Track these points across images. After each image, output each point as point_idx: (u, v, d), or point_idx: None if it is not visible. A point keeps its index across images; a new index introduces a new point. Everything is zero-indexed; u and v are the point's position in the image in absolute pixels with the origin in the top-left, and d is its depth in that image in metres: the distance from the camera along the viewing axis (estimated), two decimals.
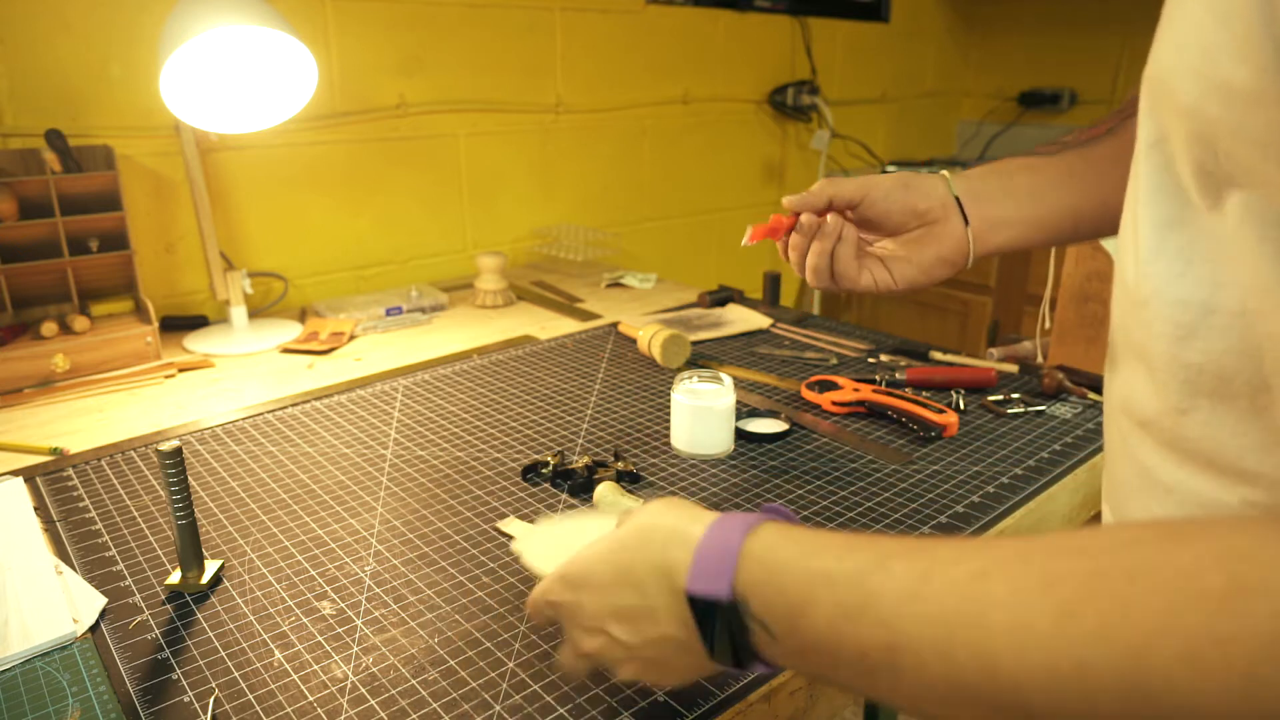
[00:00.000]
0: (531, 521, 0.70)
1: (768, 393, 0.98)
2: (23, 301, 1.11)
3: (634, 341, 1.15)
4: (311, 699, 0.51)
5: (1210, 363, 0.37)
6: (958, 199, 0.65)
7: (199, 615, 0.59)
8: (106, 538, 0.69)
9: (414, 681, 0.52)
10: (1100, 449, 0.81)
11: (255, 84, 1.13)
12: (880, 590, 0.33)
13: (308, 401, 0.97)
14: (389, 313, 1.30)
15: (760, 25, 2.03)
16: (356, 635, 0.57)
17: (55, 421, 0.93)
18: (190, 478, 0.77)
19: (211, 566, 0.64)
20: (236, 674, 0.53)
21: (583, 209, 1.80)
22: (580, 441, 0.86)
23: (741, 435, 0.85)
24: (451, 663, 0.54)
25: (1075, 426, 0.88)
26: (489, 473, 0.80)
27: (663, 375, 1.04)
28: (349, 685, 0.52)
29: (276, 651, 0.55)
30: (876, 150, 2.40)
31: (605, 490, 0.71)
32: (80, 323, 1.09)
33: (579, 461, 0.78)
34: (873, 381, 0.97)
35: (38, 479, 0.79)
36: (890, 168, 2.38)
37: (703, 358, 1.10)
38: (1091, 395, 0.95)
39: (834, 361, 1.07)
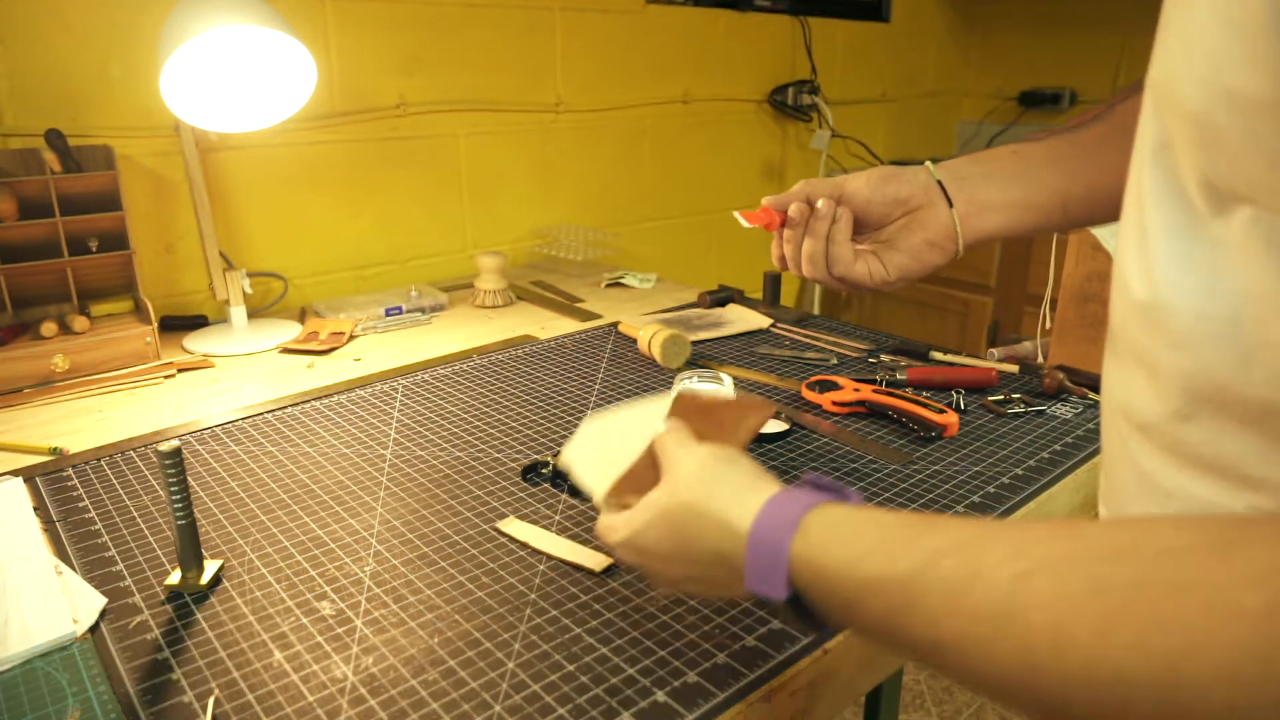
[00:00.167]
0: (530, 520, 0.70)
1: (768, 393, 0.98)
2: (22, 301, 1.11)
3: (634, 341, 1.15)
4: (311, 699, 0.51)
5: (1204, 370, 0.37)
6: (940, 184, 0.64)
7: (199, 615, 0.59)
8: (106, 538, 0.69)
9: (414, 681, 0.52)
10: (1100, 450, 0.81)
11: (255, 84, 1.13)
12: (928, 591, 0.33)
13: (307, 401, 0.97)
14: (389, 313, 1.30)
15: (760, 25, 2.03)
16: (356, 635, 0.57)
17: (55, 421, 0.93)
18: (190, 478, 0.77)
19: (211, 566, 0.64)
20: (236, 674, 0.53)
21: (583, 209, 1.80)
22: None
23: None
24: (451, 663, 0.54)
25: (1076, 426, 0.88)
26: (489, 473, 0.80)
27: (663, 375, 1.04)
28: (349, 685, 0.52)
29: (276, 651, 0.55)
30: (876, 150, 2.40)
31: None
32: (80, 323, 1.09)
33: None
34: (873, 381, 0.97)
35: (37, 479, 0.79)
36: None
37: (703, 358, 1.10)
38: (1092, 395, 0.95)
39: (834, 361, 1.07)
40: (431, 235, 1.58)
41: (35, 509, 0.73)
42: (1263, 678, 0.24)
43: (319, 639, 0.56)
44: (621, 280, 1.51)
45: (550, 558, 0.66)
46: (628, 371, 1.06)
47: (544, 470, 0.78)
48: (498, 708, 0.50)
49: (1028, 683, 0.30)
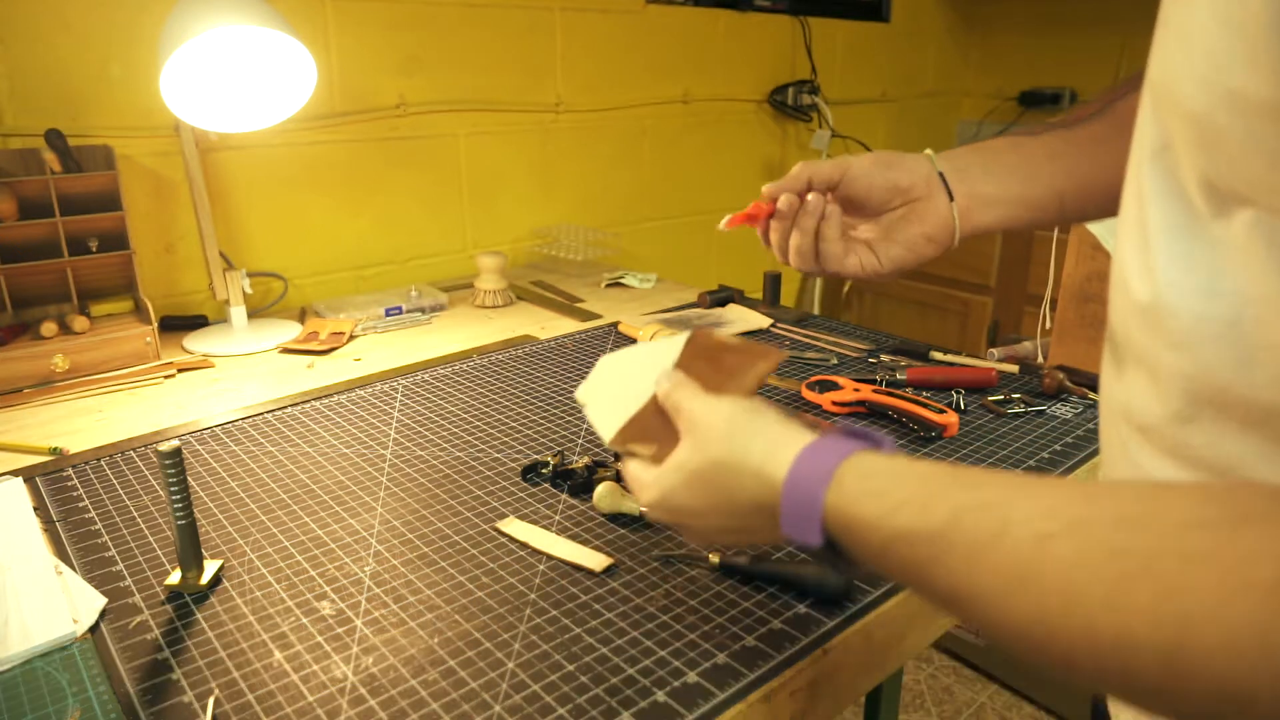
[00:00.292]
0: (530, 519, 0.70)
1: (768, 393, 0.98)
2: (22, 301, 1.11)
3: (634, 341, 1.15)
4: (311, 699, 0.51)
5: (1205, 372, 0.37)
6: (942, 175, 0.64)
7: (199, 615, 0.59)
8: (106, 538, 0.69)
9: (414, 681, 0.52)
10: (1099, 451, 0.81)
11: (255, 84, 1.13)
12: (953, 546, 0.35)
13: (307, 401, 0.97)
14: (389, 313, 1.30)
15: (760, 25, 2.03)
16: (356, 635, 0.57)
17: (55, 421, 0.93)
18: (190, 478, 0.77)
19: (211, 567, 0.64)
20: (236, 674, 0.53)
21: (583, 209, 1.80)
22: (580, 441, 0.86)
23: None
24: (451, 663, 0.54)
25: (1076, 426, 0.88)
26: (489, 473, 0.80)
27: None
28: (349, 685, 0.52)
29: (276, 651, 0.55)
30: (877, 150, 2.40)
31: (605, 490, 0.71)
32: (80, 323, 1.09)
33: (579, 461, 0.78)
34: (873, 381, 0.97)
35: (37, 479, 0.79)
36: None
37: None
38: (1092, 395, 0.95)
39: (834, 361, 1.07)
40: (431, 235, 1.58)
41: (35, 509, 0.73)
42: (1261, 652, 0.25)
43: (319, 639, 0.56)
44: (621, 280, 1.51)
45: (550, 558, 0.66)
46: None
47: (544, 470, 0.78)
48: (498, 708, 0.50)
49: (1038, 638, 0.31)
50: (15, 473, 0.80)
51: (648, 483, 0.51)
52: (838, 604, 0.60)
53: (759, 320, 1.23)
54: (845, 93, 2.30)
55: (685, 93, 1.92)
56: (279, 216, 1.39)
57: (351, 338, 1.22)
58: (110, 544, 0.68)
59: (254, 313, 1.30)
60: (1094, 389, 0.95)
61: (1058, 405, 0.93)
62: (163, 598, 0.61)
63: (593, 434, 0.87)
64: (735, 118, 2.06)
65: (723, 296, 1.35)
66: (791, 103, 2.11)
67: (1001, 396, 0.94)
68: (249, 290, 1.24)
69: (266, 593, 0.62)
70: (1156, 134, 0.40)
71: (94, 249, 1.10)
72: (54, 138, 1.08)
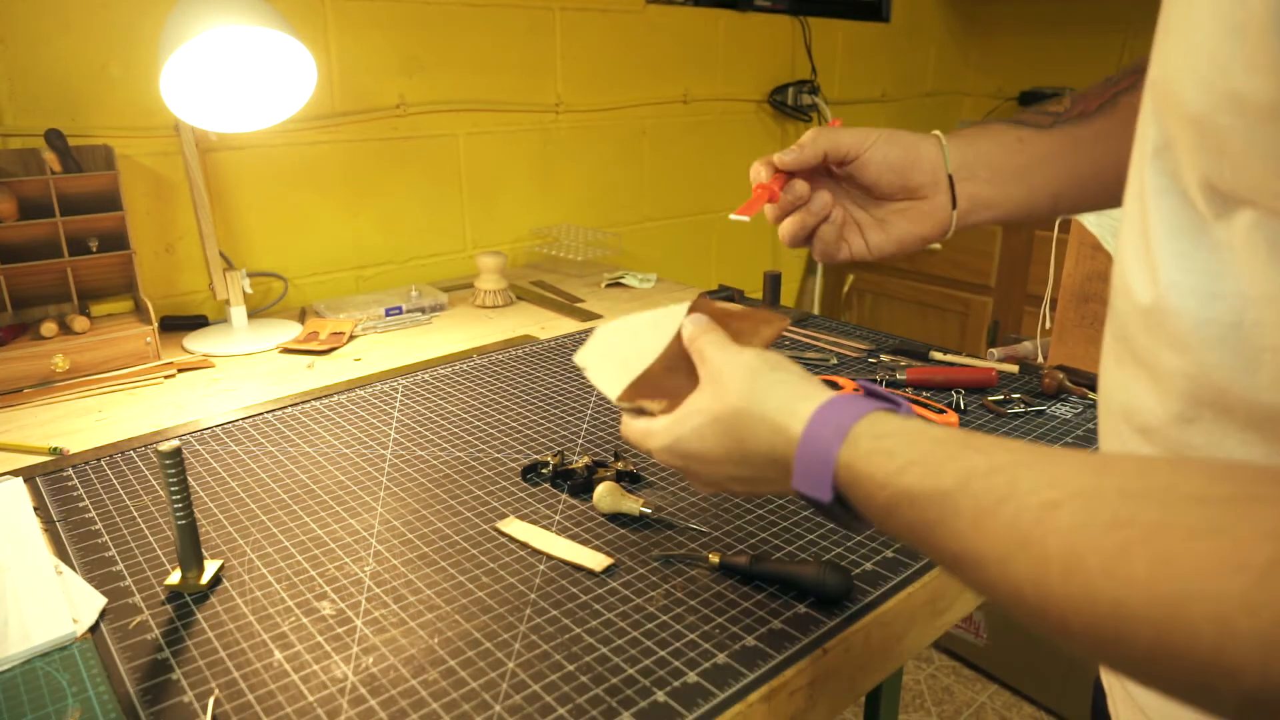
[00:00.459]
0: (530, 518, 0.70)
1: None
2: (23, 301, 1.11)
3: None
4: (311, 699, 0.51)
5: (1206, 373, 0.37)
6: (950, 180, 0.63)
7: (199, 615, 0.59)
8: (106, 538, 0.69)
9: (414, 681, 0.52)
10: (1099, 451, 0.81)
11: (255, 84, 1.13)
12: (958, 510, 0.35)
13: (307, 401, 0.97)
14: (389, 313, 1.30)
15: (760, 25, 2.03)
16: (356, 635, 0.57)
17: (55, 421, 0.93)
18: (190, 478, 0.77)
19: (211, 566, 0.64)
20: (236, 674, 0.53)
21: (583, 209, 1.80)
22: (580, 441, 0.86)
23: None
24: (451, 663, 0.54)
25: (1076, 426, 0.88)
26: (489, 473, 0.80)
27: None
28: (349, 685, 0.52)
29: (276, 651, 0.55)
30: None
31: (605, 490, 0.71)
32: (80, 323, 1.09)
33: (579, 461, 0.78)
34: (873, 382, 0.97)
35: (38, 479, 0.79)
36: None
37: None
38: (1091, 395, 0.95)
39: (834, 361, 1.07)
40: (431, 235, 1.58)
41: (35, 509, 0.73)
42: (1250, 629, 0.25)
43: (319, 639, 0.56)
44: (621, 280, 1.52)
45: (550, 558, 0.66)
46: None
47: (544, 470, 0.78)
48: (498, 708, 0.50)
49: (1035, 603, 0.32)
50: (15, 473, 0.80)
51: (659, 429, 0.52)
52: (837, 604, 0.60)
53: None
54: (845, 93, 2.30)
55: (685, 93, 1.92)
56: (279, 216, 1.39)
57: (351, 338, 1.22)
58: (110, 544, 0.68)
59: (254, 313, 1.30)
60: (1094, 389, 0.95)
61: (1058, 405, 0.93)
62: (163, 598, 0.61)
63: (593, 434, 0.88)
64: (735, 118, 2.06)
65: (723, 296, 1.35)
66: (791, 103, 2.11)
67: (1001, 396, 0.94)
68: (249, 290, 1.24)
69: (266, 593, 0.62)
70: (1157, 134, 0.39)
71: (94, 249, 1.10)
72: (54, 138, 1.08)
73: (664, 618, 0.58)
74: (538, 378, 1.04)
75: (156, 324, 1.11)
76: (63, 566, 0.65)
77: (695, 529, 0.69)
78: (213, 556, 0.66)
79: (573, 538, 0.68)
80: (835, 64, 2.26)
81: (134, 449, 0.85)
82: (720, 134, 2.03)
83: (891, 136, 0.63)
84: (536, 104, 1.67)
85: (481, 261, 1.36)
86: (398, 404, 0.96)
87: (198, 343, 1.19)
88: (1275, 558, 0.26)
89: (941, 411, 0.86)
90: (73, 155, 1.09)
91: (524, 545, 0.67)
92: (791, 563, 0.62)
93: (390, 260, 1.54)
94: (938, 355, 1.07)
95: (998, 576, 0.34)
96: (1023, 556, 0.32)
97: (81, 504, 0.74)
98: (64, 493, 0.76)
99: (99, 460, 0.82)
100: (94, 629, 0.58)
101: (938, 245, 2.24)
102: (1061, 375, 0.96)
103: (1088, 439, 0.85)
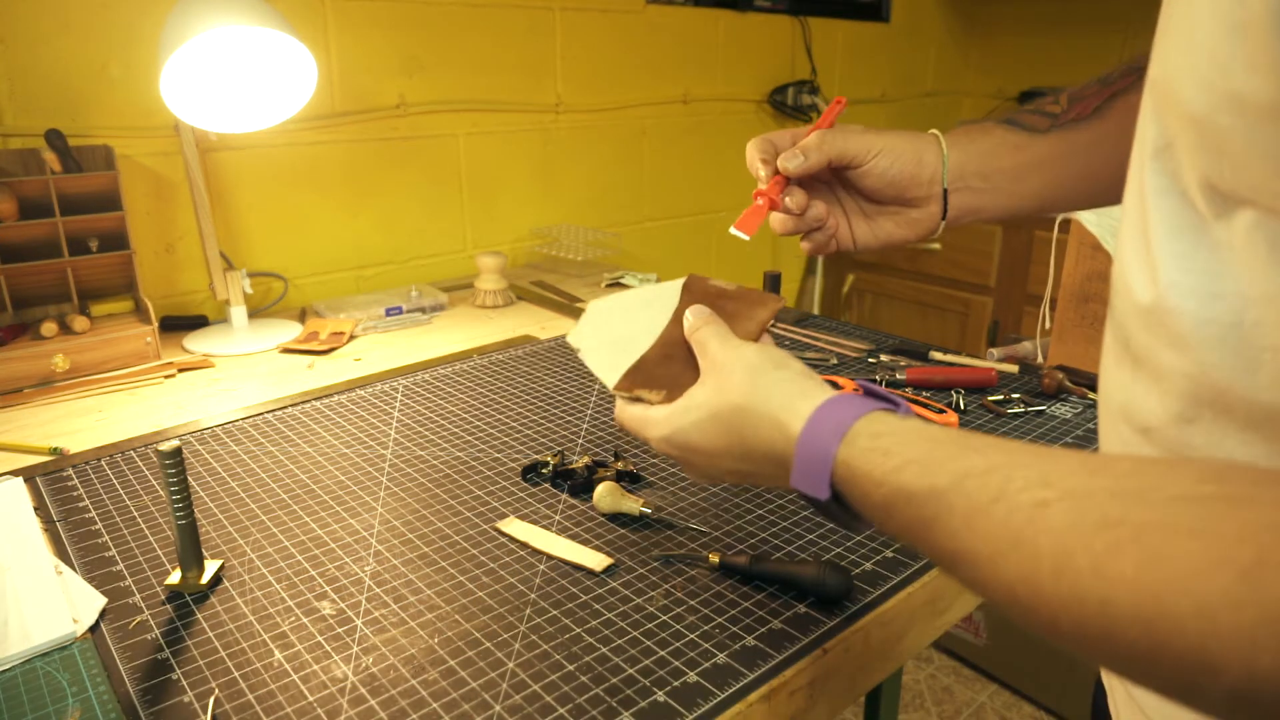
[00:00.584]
0: (533, 509, 0.70)
1: None
2: (23, 301, 1.11)
3: None
4: (311, 699, 0.51)
5: (1207, 373, 0.37)
6: (945, 192, 0.63)
7: (199, 615, 0.59)
8: (106, 538, 0.69)
9: (414, 681, 0.52)
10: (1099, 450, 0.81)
11: (255, 84, 1.13)
12: (952, 508, 0.36)
13: (308, 401, 0.97)
14: (389, 313, 1.30)
15: (760, 25, 2.03)
16: (356, 635, 0.57)
17: (55, 421, 0.93)
18: (190, 478, 0.77)
19: (211, 566, 0.64)
20: (236, 674, 0.53)
21: (583, 209, 1.81)
22: (580, 441, 0.86)
23: None
24: (451, 663, 0.54)
25: (1075, 426, 0.88)
26: (489, 473, 0.80)
27: None
28: (349, 685, 0.52)
29: (276, 651, 0.55)
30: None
31: (605, 490, 0.71)
32: (80, 323, 1.09)
33: (579, 461, 0.78)
34: (873, 382, 0.97)
35: (38, 479, 0.79)
36: None
37: None
38: (1091, 395, 0.95)
39: (834, 361, 1.07)
40: (431, 235, 1.58)
41: (35, 509, 0.73)
42: (1233, 626, 0.26)
43: (319, 639, 0.56)
44: (621, 280, 1.51)
45: (550, 558, 0.66)
46: None
47: (544, 470, 0.78)
48: (498, 708, 0.50)
49: (1025, 600, 0.32)
50: (15, 473, 0.80)
51: (659, 419, 0.52)
52: (837, 604, 0.60)
53: None
54: (845, 93, 2.30)
55: (685, 93, 1.92)
56: (279, 216, 1.39)
57: (351, 338, 1.22)
58: (110, 544, 0.68)
59: (254, 313, 1.30)
60: (1093, 389, 0.96)
61: (1057, 405, 0.93)
62: (163, 598, 0.61)
63: (593, 434, 0.88)
64: (735, 118, 2.06)
65: None
66: (791, 103, 2.11)
67: (1001, 396, 0.94)
68: (249, 290, 1.24)
69: (266, 592, 0.62)
70: (1158, 134, 0.39)
71: (94, 249, 1.10)
72: (54, 138, 1.08)
73: (664, 618, 0.58)
74: (538, 378, 1.04)
75: (157, 324, 1.11)
76: (63, 566, 0.65)
77: (695, 529, 0.69)
78: (213, 556, 0.66)
79: (573, 538, 0.68)
80: (835, 64, 2.26)
81: (134, 449, 0.85)
82: (720, 134, 2.03)
83: (895, 149, 0.61)
84: (536, 104, 1.67)
85: (481, 261, 1.36)
86: (398, 404, 0.96)
87: (198, 343, 1.19)
88: (1259, 556, 0.26)
89: (941, 411, 0.86)
90: (73, 155, 1.09)
91: (524, 545, 0.67)
92: (791, 563, 0.62)
93: (390, 260, 1.54)
94: (937, 355, 1.07)
95: (990, 575, 0.34)
96: (1014, 555, 0.33)
97: (81, 504, 0.74)
98: (64, 493, 0.76)
99: (99, 460, 0.82)
100: (94, 629, 0.58)
101: (937, 245, 2.25)
102: (1061, 375, 0.96)
103: (1087, 439, 0.85)
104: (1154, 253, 0.39)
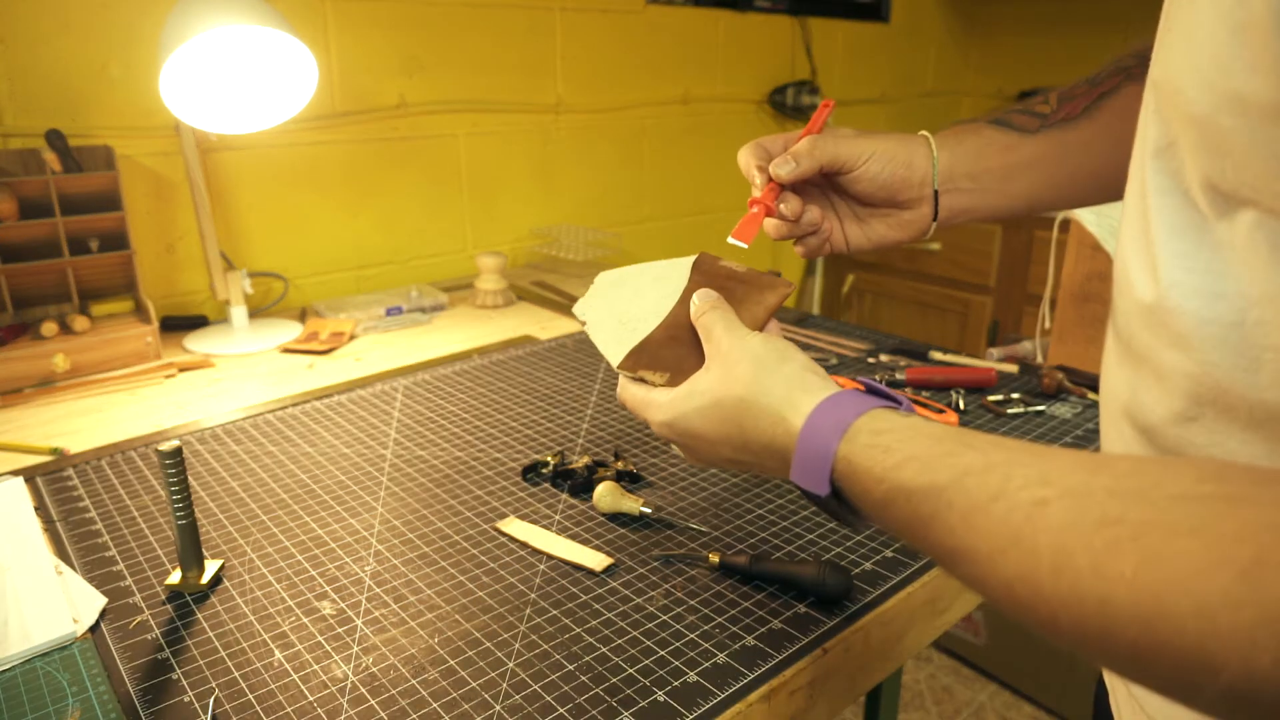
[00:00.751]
0: (533, 514, 0.70)
1: None
2: (23, 301, 1.11)
3: None
4: (311, 699, 0.51)
5: (1208, 372, 0.37)
6: (936, 195, 0.63)
7: (199, 615, 0.59)
8: (106, 538, 0.69)
9: (414, 681, 0.52)
10: (1099, 449, 0.81)
11: (255, 84, 1.13)
12: (951, 505, 0.36)
13: (308, 401, 0.97)
14: (389, 313, 1.30)
15: (760, 25, 2.03)
16: (356, 635, 0.57)
17: (55, 421, 0.93)
18: (190, 478, 0.77)
19: (211, 566, 0.64)
20: (236, 674, 0.53)
21: (583, 209, 1.81)
22: (580, 441, 0.86)
23: None
24: (451, 663, 0.54)
25: (1075, 426, 0.88)
26: (489, 473, 0.80)
27: None
28: (349, 685, 0.52)
29: (276, 651, 0.55)
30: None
31: (605, 490, 0.71)
32: (80, 323, 1.09)
33: (579, 461, 0.78)
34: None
35: (38, 479, 0.79)
36: None
37: None
38: (1091, 395, 0.95)
39: (834, 361, 1.07)
40: (431, 235, 1.58)
41: (36, 509, 0.73)
42: (1231, 625, 0.26)
43: (319, 639, 0.56)
44: None
45: (550, 558, 0.66)
46: None
47: (544, 470, 0.78)
48: (498, 708, 0.50)
49: (1024, 599, 0.32)
50: (16, 473, 0.80)
51: (661, 403, 0.52)
52: (837, 604, 0.60)
53: None
54: (845, 93, 2.30)
55: (685, 93, 1.92)
56: (279, 216, 1.39)
57: (352, 338, 1.22)
58: (111, 544, 0.68)
59: (254, 313, 1.30)
60: (1093, 389, 0.96)
61: (1057, 405, 0.93)
62: (163, 597, 0.61)
63: (593, 434, 0.88)
64: (735, 118, 2.06)
65: None
66: (791, 103, 2.11)
67: (1001, 396, 0.94)
68: (249, 290, 1.24)
69: (267, 592, 0.62)
70: (1159, 134, 0.39)
71: (94, 249, 1.10)
72: (54, 138, 1.08)
73: (664, 618, 0.58)
74: (538, 378, 1.04)
75: (157, 324, 1.11)
76: (63, 566, 0.65)
77: (695, 529, 0.69)
78: (213, 556, 0.66)
79: (573, 537, 0.68)
80: (835, 64, 2.26)
81: (134, 449, 0.85)
82: (720, 134, 2.03)
83: (885, 153, 0.62)
84: (536, 104, 1.67)
85: (481, 262, 1.37)
86: (398, 404, 0.96)
87: (198, 343, 1.19)
88: (1258, 556, 0.26)
89: (941, 411, 0.86)
90: (73, 155, 1.09)
91: (524, 545, 0.67)
92: (791, 562, 0.62)
93: (390, 260, 1.54)
94: (937, 355, 1.07)
95: (989, 572, 0.34)
96: (1014, 553, 0.33)
97: (82, 504, 0.74)
98: (64, 493, 0.76)
99: (99, 460, 0.82)
100: (94, 629, 0.58)
101: (936, 245, 2.25)
102: (1061, 375, 0.96)
103: (1087, 439, 0.85)
104: (1156, 252, 0.39)
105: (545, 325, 1.28)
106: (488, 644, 0.56)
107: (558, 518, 0.71)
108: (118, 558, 0.66)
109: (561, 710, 0.50)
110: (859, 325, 1.23)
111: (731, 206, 2.08)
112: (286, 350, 1.17)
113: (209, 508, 0.73)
